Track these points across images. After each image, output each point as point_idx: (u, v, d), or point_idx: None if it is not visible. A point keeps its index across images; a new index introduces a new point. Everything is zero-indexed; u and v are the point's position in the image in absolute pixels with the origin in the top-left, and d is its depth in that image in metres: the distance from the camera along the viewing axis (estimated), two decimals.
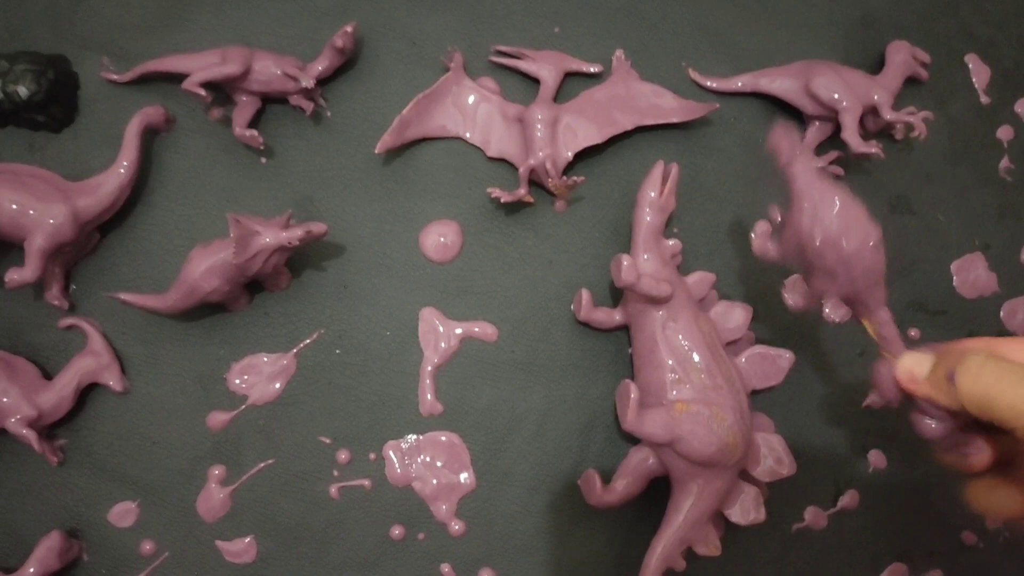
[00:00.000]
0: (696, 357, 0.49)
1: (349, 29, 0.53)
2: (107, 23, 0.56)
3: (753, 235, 0.46)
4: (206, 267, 0.49)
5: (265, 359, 0.53)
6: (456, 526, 0.52)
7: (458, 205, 0.55)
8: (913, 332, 0.58)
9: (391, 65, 0.57)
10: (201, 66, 0.53)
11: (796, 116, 0.57)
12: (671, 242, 0.53)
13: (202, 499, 0.52)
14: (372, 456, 0.53)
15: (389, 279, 0.55)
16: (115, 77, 0.55)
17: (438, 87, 0.55)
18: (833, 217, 0.39)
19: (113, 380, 0.52)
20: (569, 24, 0.58)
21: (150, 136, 0.54)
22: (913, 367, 0.39)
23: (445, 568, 0.52)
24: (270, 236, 0.49)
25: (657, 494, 0.51)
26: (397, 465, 0.53)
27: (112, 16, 0.56)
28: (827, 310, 0.56)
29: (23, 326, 0.53)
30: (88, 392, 0.52)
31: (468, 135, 0.56)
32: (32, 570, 0.49)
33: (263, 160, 0.55)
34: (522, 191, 0.53)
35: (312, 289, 0.54)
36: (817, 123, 0.56)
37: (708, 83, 0.57)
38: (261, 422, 0.53)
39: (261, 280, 0.52)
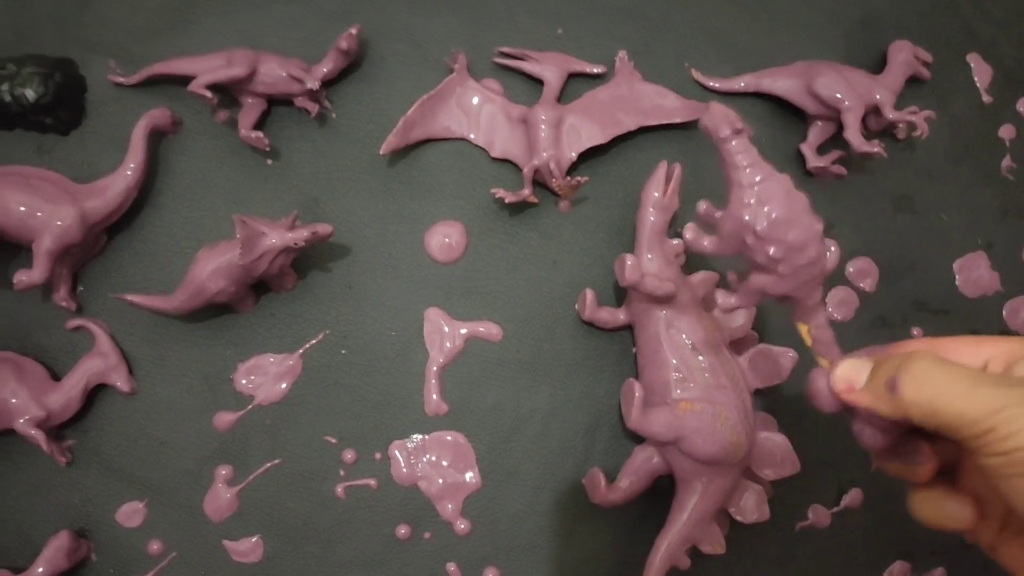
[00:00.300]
0: (700, 356, 0.49)
1: (354, 31, 0.53)
2: (113, 27, 0.57)
3: (686, 230, 0.41)
4: (213, 268, 0.50)
5: (271, 360, 0.54)
6: (462, 525, 0.53)
7: (462, 206, 0.56)
8: (916, 331, 0.58)
9: (395, 67, 0.57)
10: (207, 68, 0.53)
11: (799, 116, 0.58)
12: (674, 242, 0.53)
13: (209, 499, 0.52)
14: (378, 456, 0.53)
15: (394, 280, 0.55)
16: (122, 80, 0.55)
17: (442, 88, 0.55)
18: (778, 201, 0.35)
19: (121, 381, 0.52)
20: (572, 25, 0.58)
21: (157, 138, 0.55)
22: (851, 375, 0.36)
23: (451, 567, 0.52)
24: (276, 237, 0.49)
25: (661, 493, 0.51)
26: (403, 464, 0.53)
27: (118, 20, 0.57)
28: None
29: (31, 327, 0.53)
30: (96, 393, 0.53)
31: (472, 136, 0.56)
32: (41, 570, 0.49)
33: (269, 162, 0.55)
34: (526, 191, 0.54)
35: (318, 290, 0.54)
36: (819, 123, 0.56)
37: (711, 83, 0.58)
38: (267, 422, 0.53)
39: (267, 281, 0.53)
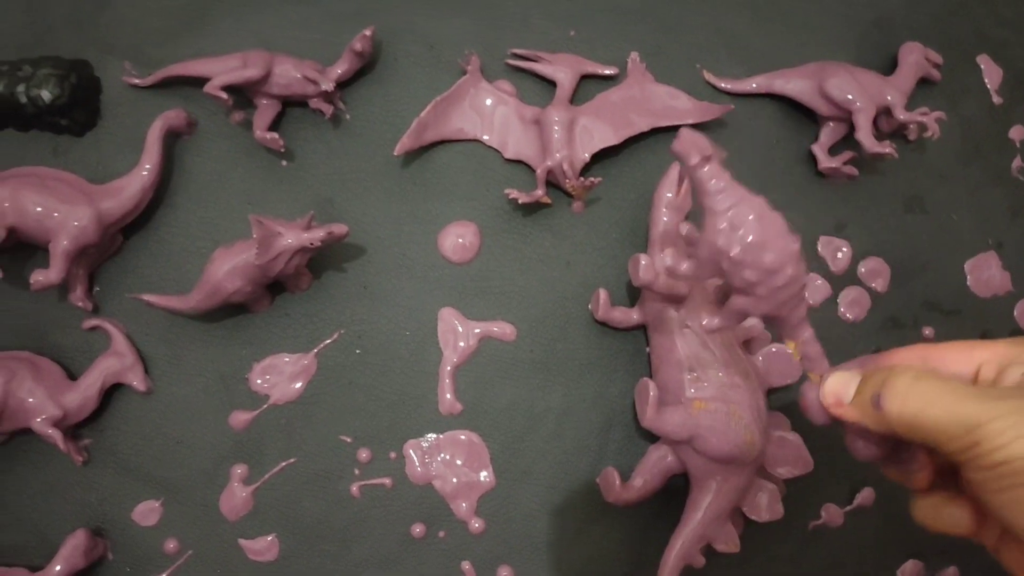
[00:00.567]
0: (713, 355, 0.49)
1: (368, 33, 0.53)
2: (129, 28, 0.57)
3: (665, 255, 0.40)
4: (229, 268, 0.50)
5: (286, 359, 0.54)
6: (476, 524, 0.53)
7: (476, 206, 0.56)
8: (927, 331, 0.58)
9: (409, 68, 0.57)
10: (222, 70, 0.54)
11: (810, 117, 0.58)
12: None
13: (225, 498, 0.53)
14: (392, 455, 0.53)
15: (408, 280, 0.55)
16: (137, 81, 0.56)
17: (456, 90, 0.56)
18: (751, 225, 0.35)
19: (137, 380, 0.52)
20: (584, 27, 0.58)
21: (172, 139, 0.55)
22: (838, 389, 0.36)
23: (465, 565, 0.53)
24: (292, 237, 0.49)
25: (674, 492, 0.52)
26: (417, 464, 0.53)
27: (134, 22, 0.57)
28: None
29: (48, 327, 0.54)
30: (112, 392, 0.53)
31: (486, 137, 0.56)
32: (58, 568, 0.49)
33: (283, 163, 0.56)
34: (539, 192, 0.54)
35: (332, 290, 0.55)
36: (831, 124, 0.57)
37: (722, 84, 0.58)
38: (283, 421, 0.53)
39: (283, 281, 0.53)
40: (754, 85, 0.58)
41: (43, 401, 0.51)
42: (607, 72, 0.57)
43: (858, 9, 0.61)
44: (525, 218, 0.56)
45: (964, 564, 0.57)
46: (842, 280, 0.57)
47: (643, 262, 0.49)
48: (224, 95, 0.52)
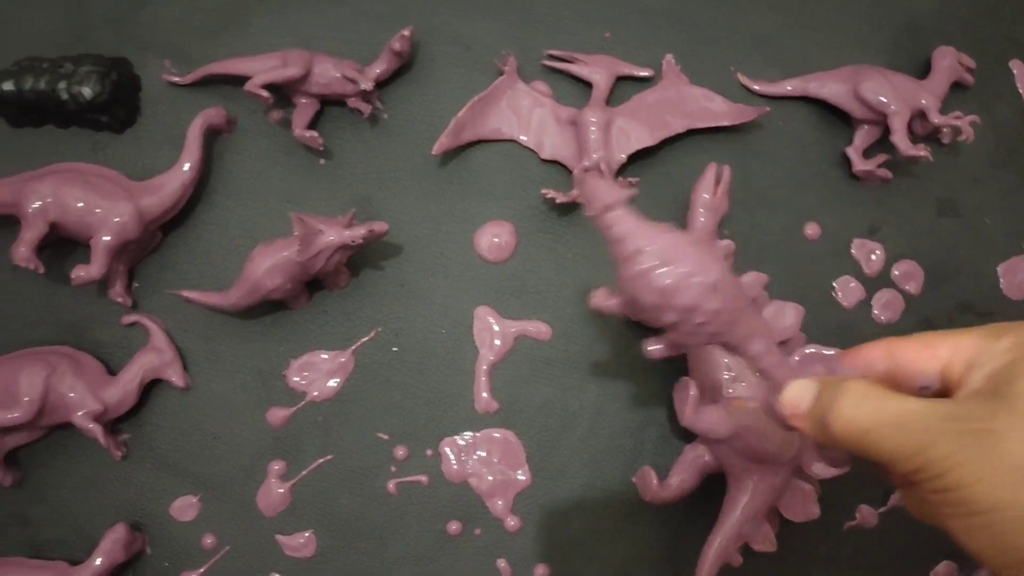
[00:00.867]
0: None
1: (407, 33, 0.54)
2: (168, 27, 0.58)
3: (595, 294, 0.40)
4: (269, 265, 0.50)
5: (324, 356, 0.54)
6: (512, 522, 0.53)
7: (512, 206, 0.56)
8: None
9: (446, 69, 0.58)
10: (262, 69, 0.54)
11: (844, 120, 0.58)
12: (724, 243, 0.54)
13: (262, 494, 0.53)
14: (429, 452, 0.53)
15: (445, 278, 0.55)
16: (177, 79, 0.56)
17: (493, 90, 0.56)
18: (657, 271, 0.34)
19: (175, 376, 0.53)
20: (619, 29, 0.59)
21: (212, 137, 0.55)
22: (795, 400, 0.34)
23: (501, 563, 0.53)
24: (334, 234, 0.50)
25: (709, 491, 0.52)
26: (454, 461, 0.53)
27: (173, 20, 0.58)
28: None
29: (87, 323, 0.54)
30: (150, 388, 0.53)
31: (522, 137, 0.57)
32: (99, 562, 0.50)
33: (321, 161, 0.56)
34: (576, 192, 0.54)
35: (370, 288, 0.55)
36: (865, 127, 0.57)
37: (757, 87, 0.58)
38: (320, 418, 0.54)
39: (321, 279, 0.53)
40: (788, 88, 0.58)
41: (84, 396, 0.51)
42: (642, 74, 0.58)
43: (890, 13, 0.61)
44: (561, 218, 0.56)
45: None
46: (876, 282, 0.57)
47: None
48: (265, 93, 0.53)
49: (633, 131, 0.55)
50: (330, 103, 0.56)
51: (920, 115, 0.56)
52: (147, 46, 0.57)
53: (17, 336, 0.54)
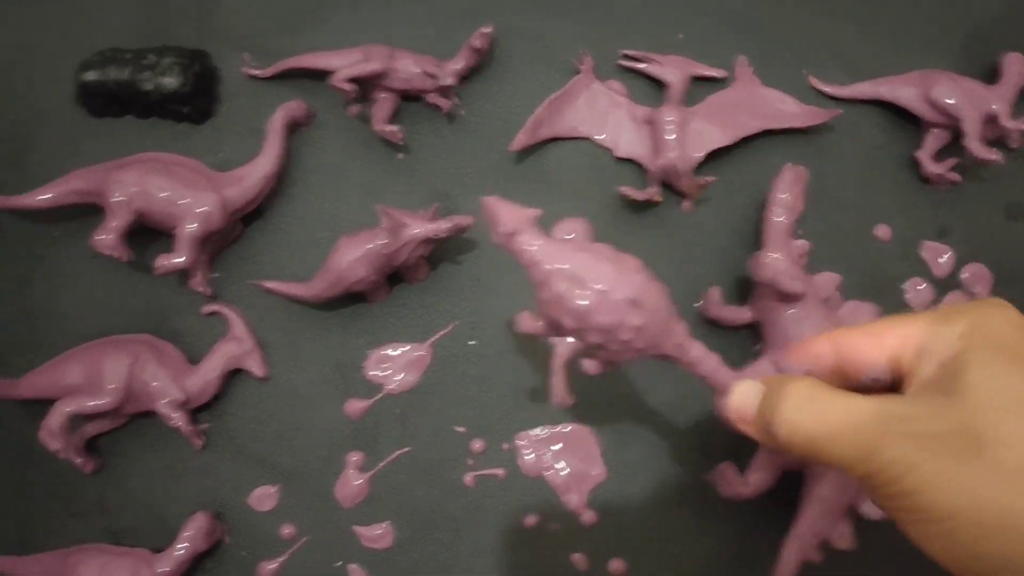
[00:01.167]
0: None
1: (487, 30, 0.54)
2: (245, 21, 0.58)
3: (519, 318, 0.40)
4: (354, 257, 0.51)
5: (402, 349, 0.55)
6: (587, 516, 0.53)
7: (586, 203, 0.57)
8: None
9: (522, 67, 0.58)
10: (344, 64, 0.54)
11: (914, 123, 0.59)
12: (799, 243, 0.54)
13: (340, 485, 0.53)
14: (505, 446, 0.54)
15: (520, 274, 0.55)
16: (257, 73, 0.57)
17: (569, 89, 0.57)
18: (572, 294, 0.33)
19: (255, 366, 0.53)
20: (692, 31, 0.59)
21: (291, 130, 0.56)
22: (741, 404, 0.33)
23: (577, 557, 0.53)
24: (419, 227, 0.50)
25: (781, 489, 0.52)
26: (530, 455, 0.54)
27: (251, 14, 0.58)
28: None
29: (166, 312, 0.55)
30: (229, 377, 0.54)
31: (597, 135, 0.57)
32: (181, 549, 0.50)
33: (399, 156, 0.57)
34: (653, 190, 0.55)
35: (448, 281, 0.55)
36: (935, 131, 0.58)
37: (829, 90, 0.59)
38: (397, 411, 0.54)
39: (401, 272, 0.54)
40: (860, 91, 0.59)
41: (167, 384, 0.51)
42: (716, 75, 0.58)
43: (959, 20, 0.62)
44: (635, 216, 0.57)
45: None
46: (945, 285, 0.58)
47: (768, 259, 0.50)
48: (350, 87, 0.53)
49: (708, 131, 0.56)
50: (408, 98, 0.57)
51: (989, 119, 0.57)
52: (224, 39, 0.58)
53: (97, 324, 0.54)
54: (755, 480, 0.51)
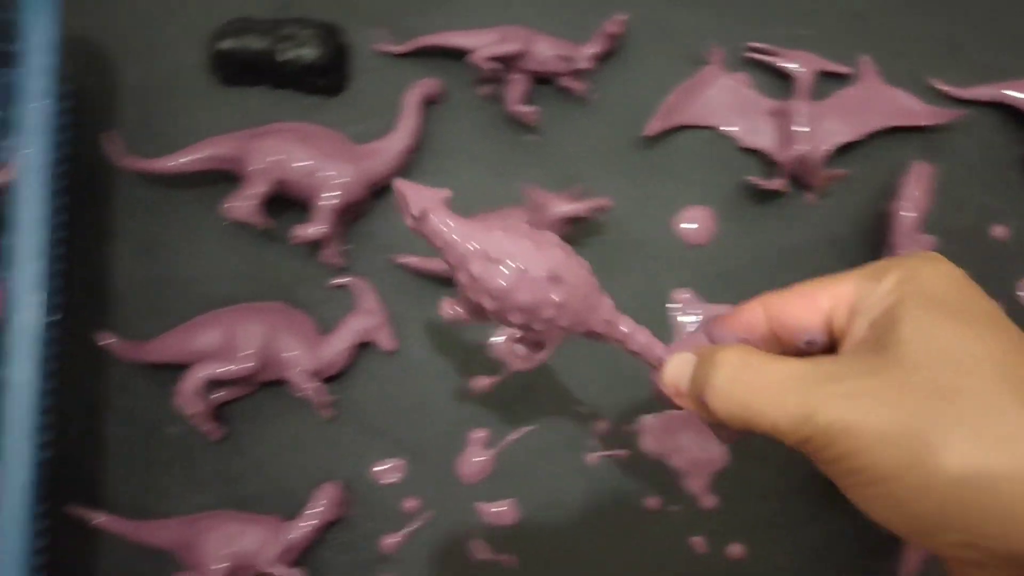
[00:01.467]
0: None
1: (623, 17, 0.55)
2: None
3: (444, 305, 0.38)
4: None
5: None
6: (709, 500, 0.54)
7: (710, 191, 0.57)
8: None
9: (649, 55, 0.59)
10: (481, 43, 0.55)
11: None
12: (925, 238, 0.55)
13: (464, 460, 0.54)
14: (629, 427, 0.54)
15: (643, 260, 0.56)
16: (393, 49, 0.57)
17: (699, 78, 0.57)
18: (488, 275, 0.32)
19: (385, 340, 0.53)
20: (816, 27, 0.60)
21: (424, 107, 0.56)
22: (675, 376, 0.32)
23: (696, 540, 0.54)
24: (565, 207, 0.51)
25: None
26: (652, 437, 0.54)
27: None
28: None
29: (295, 282, 0.55)
30: (357, 350, 0.54)
31: (724, 125, 0.58)
32: (313, 518, 0.50)
33: (528, 137, 0.57)
34: (781, 181, 0.56)
35: None
36: None
37: (951, 91, 0.60)
38: (523, 389, 0.54)
39: None
40: (980, 93, 0.59)
41: (301, 353, 0.51)
42: (841, 71, 0.59)
43: None
44: (759, 207, 0.57)
45: None
46: None
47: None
48: (491, 65, 0.54)
49: (836, 125, 0.57)
50: (537, 81, 0.57)
51: None
52: (354, 14, 0.58)
53: (225, 291, 0.54)
54: None
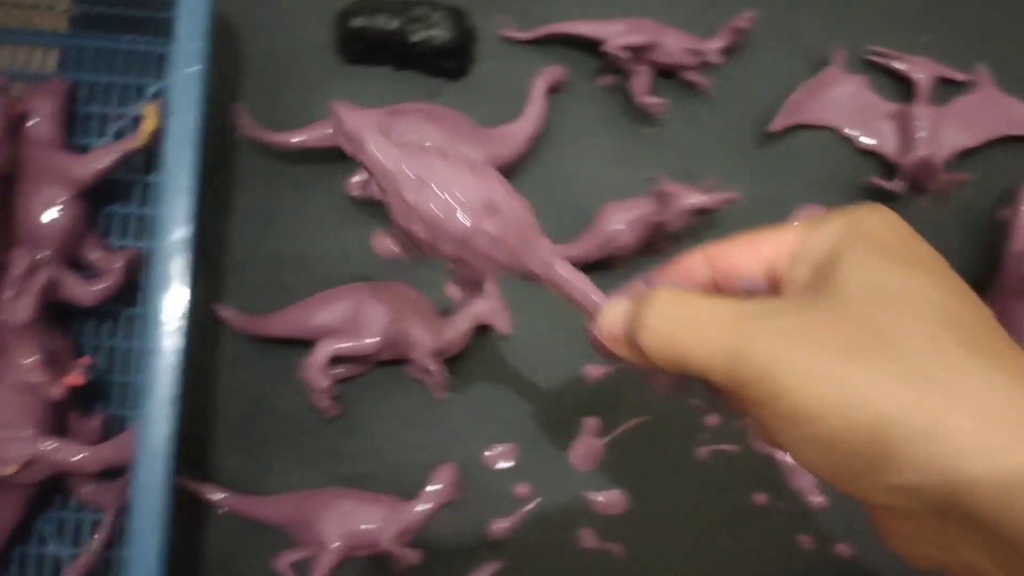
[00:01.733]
0: None
1: (750, 15, 0.55)
2: None
3: (377, 237, 0.37)
4: (625, 221, 0.51)
5: None
6: (817, 498, 0.54)
7: (825, 190, 0.58)
8: None
9: (771, 54, 0.59)
10: (609, 33, 0.55)
11: None
12: None
13: (576, 448, 0.54)
14: (739, 423, 0.54)
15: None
16: (519, 35, 0.57)
17: (821, 79, 0.57)
18: (420, 200, 0.31)
19: (501, 324, 0.53)
20: (935, 34, 0.60)
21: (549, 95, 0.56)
22: (610, 323, 0.30)
23: (804, 538, 0.54)
24: (695, 198, 0.51)
25: None
26: None
27: None
28: None
29: (412, 263, 0.54)
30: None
31: (845, 126, 0.58)
32: (431, 499, 0.50)
33: (645, 129, 0.57)
34: (900, 183, 0.56)
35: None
36: None
37: None
38: (636, 379, 0.54)
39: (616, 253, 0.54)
40: None
41: (424, 334, 0.51)
42: (959, 78, 0.59)
43: None
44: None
45: None
46: None
47: None
48: (623, 54, 0.54)
49: (955, 131, 0.57)
50: (660, 73, 0.57)
51: None
52: (480, 1, 0.58)
53: (342, 270, 0.54)
54: None
